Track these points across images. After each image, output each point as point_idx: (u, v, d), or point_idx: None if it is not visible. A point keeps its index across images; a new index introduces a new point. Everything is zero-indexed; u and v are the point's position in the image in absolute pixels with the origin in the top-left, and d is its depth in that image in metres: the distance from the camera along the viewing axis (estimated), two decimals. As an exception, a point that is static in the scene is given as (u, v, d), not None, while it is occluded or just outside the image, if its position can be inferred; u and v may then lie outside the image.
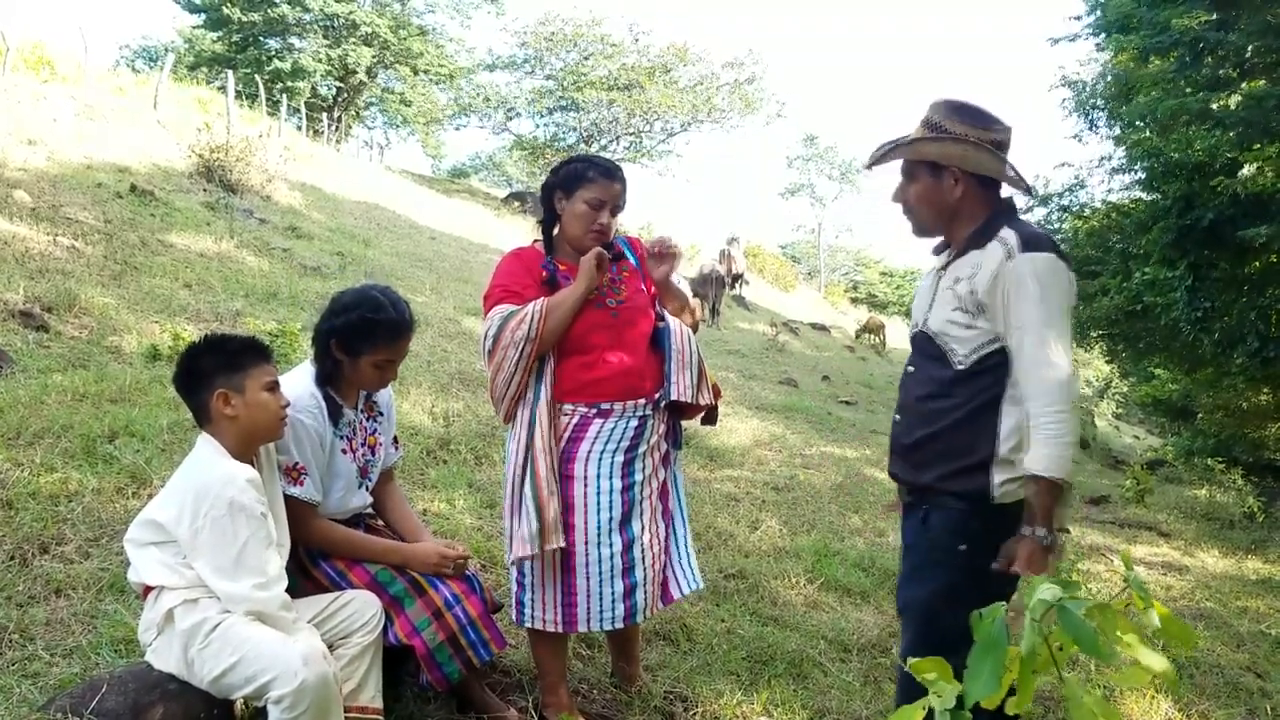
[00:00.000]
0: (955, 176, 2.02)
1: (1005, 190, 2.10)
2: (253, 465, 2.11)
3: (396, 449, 2.70)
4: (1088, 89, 12.08)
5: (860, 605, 4.00)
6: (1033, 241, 1.91)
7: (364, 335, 2.33)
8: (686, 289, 2.79)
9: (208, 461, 2.03)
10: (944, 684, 0.93)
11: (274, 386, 2.12)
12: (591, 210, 2.50)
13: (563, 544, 2.42)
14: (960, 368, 1.97)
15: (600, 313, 2.50)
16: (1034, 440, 1.85)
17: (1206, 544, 6.67)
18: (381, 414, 2.58)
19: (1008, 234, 1.94)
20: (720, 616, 3.56)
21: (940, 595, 1.97)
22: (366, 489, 2.52)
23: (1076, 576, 4.75)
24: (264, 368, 2.11)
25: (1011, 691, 0.99)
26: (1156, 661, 1.00)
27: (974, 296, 1.95)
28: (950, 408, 1.97)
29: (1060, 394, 1.83)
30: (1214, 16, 8.12)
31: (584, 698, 2.77)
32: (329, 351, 2.36)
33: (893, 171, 2.17)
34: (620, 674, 2.87)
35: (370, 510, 2.60)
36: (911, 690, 1.98)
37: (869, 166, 2.19)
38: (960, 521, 1.92)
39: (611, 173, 2.54)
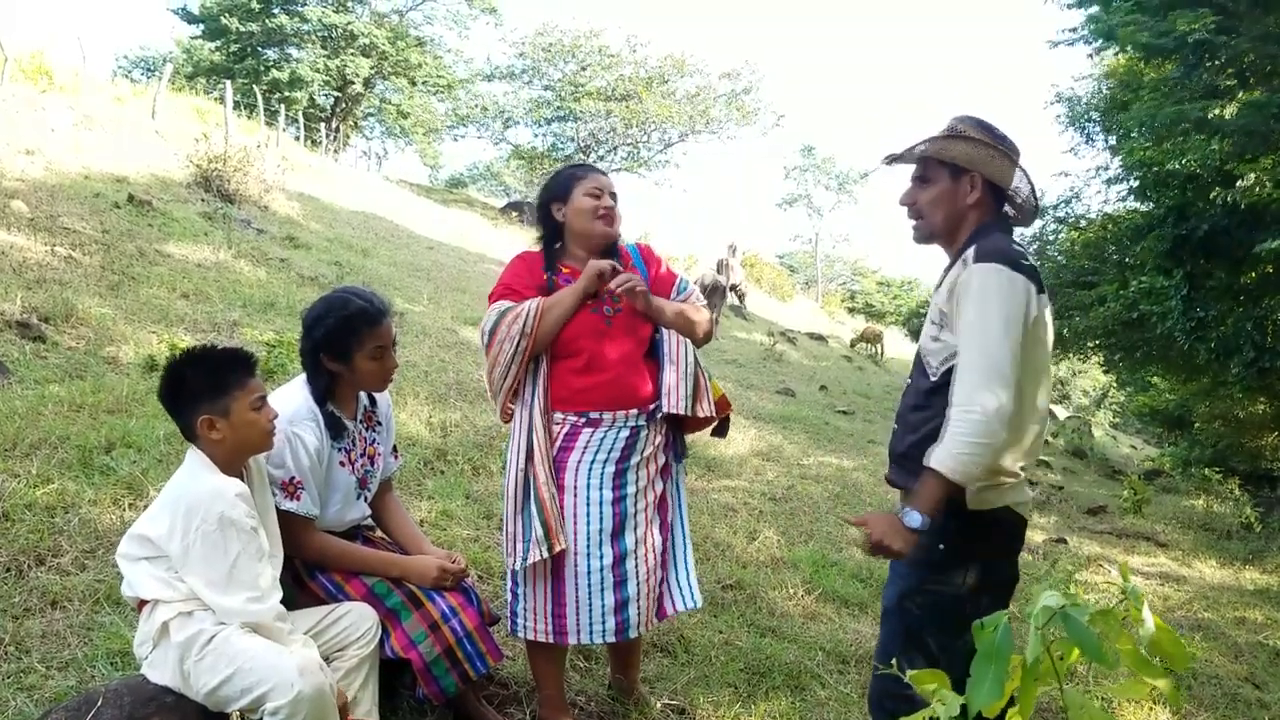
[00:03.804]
0: (973, 182, 2.04)
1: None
2: (242, 477, 2.10)
3: (396, 459, 2.69)
4: (1083, 102, 12.16)
5: (858, 616, 3.99)
6: (985, 253, 1.92)
7: (346, 334, 2.33)
8: (698, 295, 2.77)
9: (197, 476, 2.02)
10: (944, 691, 0.92)
11: (260, 403, 2.08)
12: (593, 199, 2.59)
13: (564, 546, 2.43)
14: (934, 379, 2.01)
15: (594, 318, 2.51)
16: (942, 437, 1.86)
17: (1204, 554, 6.67)
18: (380, 423, 2.57)
19: (970, 249, 1.97)
20: (718, 628, 3.55)
21: (915, 590, 2.01)
22: (365, 500, 2.51)
23: (1074, 587, 4.76)
24: (249, 384, 2.07)
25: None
26: (1158, 676, 1.00)
27: (939, 309, 2.00)
28: (930, 417, 2.00)
29: (974, 398, 1.82)
30: (1218, 18, 8.12)
31: (581, 710, 2.76)
32: (322, 367, 2.35)
33: (894, 177, 2.18)
34: (618, 686, 2.86)
35: (369, 522, 2.59)
36: (885, 691, 2.00)
37: (890, 162, 2.17)
38: (940, 523, 1.93)
39: (595, 166, 2.78)
